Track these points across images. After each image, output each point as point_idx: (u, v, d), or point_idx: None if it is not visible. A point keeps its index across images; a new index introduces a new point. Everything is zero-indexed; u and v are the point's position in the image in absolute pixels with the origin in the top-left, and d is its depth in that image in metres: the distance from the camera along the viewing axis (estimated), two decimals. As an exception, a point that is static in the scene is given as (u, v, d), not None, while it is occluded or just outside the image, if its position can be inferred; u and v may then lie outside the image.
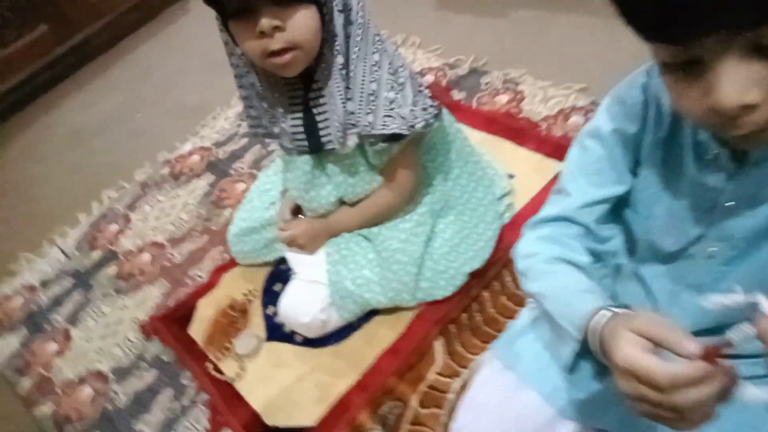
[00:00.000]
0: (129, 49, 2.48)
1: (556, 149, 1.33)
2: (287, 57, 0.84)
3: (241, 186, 1.59)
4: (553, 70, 1.57)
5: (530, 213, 1.20)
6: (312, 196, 1.07)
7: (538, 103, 1.47)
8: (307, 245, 1.12)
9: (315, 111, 0.94)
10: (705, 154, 0.59)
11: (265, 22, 0.81)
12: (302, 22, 0.83)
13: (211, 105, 1.94)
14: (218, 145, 1.77)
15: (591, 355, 0.59)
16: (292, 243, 1.12)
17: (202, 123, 1.88)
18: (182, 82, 2.15)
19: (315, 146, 0.97)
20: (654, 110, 0.63)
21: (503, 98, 1.53)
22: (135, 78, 2.29)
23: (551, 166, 1.31)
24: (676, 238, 0.66)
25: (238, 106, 1.89)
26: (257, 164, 1.63)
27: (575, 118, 1.40)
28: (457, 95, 1.59)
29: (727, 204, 0.59)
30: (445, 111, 1.07)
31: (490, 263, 1.13)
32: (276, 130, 1.02)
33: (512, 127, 1.42)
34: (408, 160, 1.04)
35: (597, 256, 0.71)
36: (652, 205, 0.68)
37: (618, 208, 0.71)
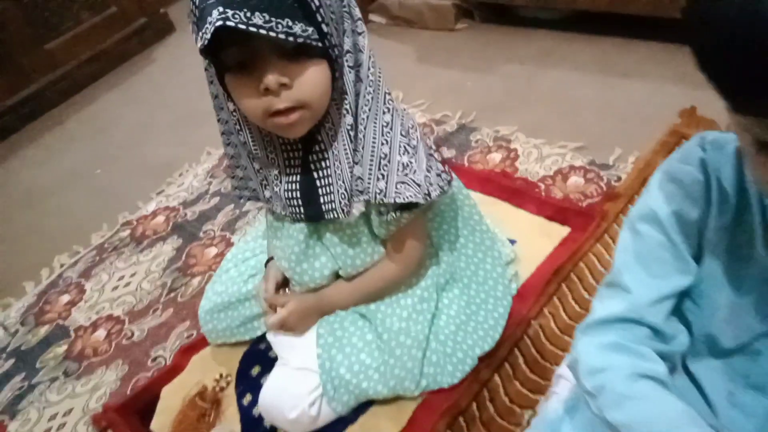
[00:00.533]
0: (88, 101, 2.34)
1: (559, 212, 1.23)
2: (293, 117, 0.73)
3: (212, 251, 1.43)
4: (544, 125, 1.50)
5: (538, 283, 1.10)
6: (304, 268, 0.93)
7: (534, 162, 1.39)
8: (297, 326, 0.97)
9: (316, 175, 0.82)
10: None
11: (272, 79, 0.69)
12: (312, 80, 0.72)
13: (178, 161, 1.80)
14: (186, 204, 1.62)
15: None
16: (283, 326, 0.97)
17: (168, 180, 1.74)
18: (146, 137, 2.01)
19: (313, 214, 0.84)
20: (717, 191, 0.55)
21: (496, 156, 1.44)
22: (94, 132, 2.14)
23: (555, 230, 1.21)
24: (738, 332, 0.58)
25: (207, 163, 1.76)
26: (230, 227, 1.49)
27: (575, 179, 1.31)
28: (447, 153, 1.50)
29: None
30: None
31: (499, 342, 1.01)
32: (267, 194, 0.89)
33: (509, 188, 1.33)
34: (416, 230, 0.92)
35: (662, 358, 0.60)
36: (715, 296, 0.59)
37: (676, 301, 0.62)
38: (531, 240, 1.19)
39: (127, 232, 1.59)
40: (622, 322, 0.60)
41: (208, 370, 1.14)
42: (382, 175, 0.80)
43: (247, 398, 1.07)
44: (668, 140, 1.33)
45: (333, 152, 0.81)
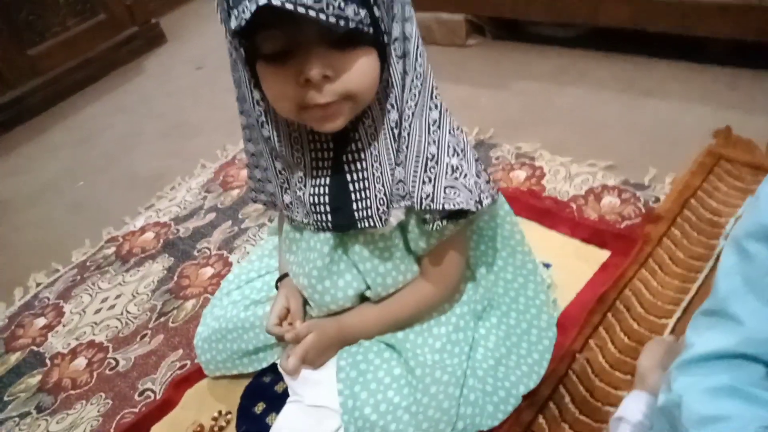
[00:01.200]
0: (72, 110, 2.20)
1: (596, 234, 1.13)
2: (332, 107, 0.62)
3: (207, 271, 1.30)
4: (567, 143, 1.42)
5: (580, 312, 0.98)
6: (326, 286, 0.81)
7: (562, 180, 1.29)
8: (315, 362, 0.84)
9: (350, 177, 0.71)
10: None
11: (316, 72, 0.58)
12: (360, 72, 0.61)
13: (169, 174, 1.67)
14: (178, 220, 1.48)
15: None
16: (304, 361, 0.84)
17: (158, 194, 1.61)
18: (134, 148, 1.88)
19: (343, 222, 0.73)
20: None
21: (520, 174, 1.34)
22: (78, 141, 2.00)
23: (593, 253, 1.10)
24: None
25: (202, 176, 1.63)
26: (228, 245, 1.36)
27: (609, 199, 1.21)
28: (465, 169, 1.39)
29: None
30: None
31: (543, 378, 0.89)
32: (287, 198, 0.77)
33: (538, 208, 1.22)
34: (459, 245, 0.81)
35: None
36: None
37: None
38: (567, 264, 1.09)
39: (112, 249, 1.44)
40: (733, 358, 0.51)
41: (204, 406, 1.00)
42: (429, 179, 0.69)
43: (251, 440, 0.93)
44: (705, 161, 1.24)
45: (372, 152, 0.70)
